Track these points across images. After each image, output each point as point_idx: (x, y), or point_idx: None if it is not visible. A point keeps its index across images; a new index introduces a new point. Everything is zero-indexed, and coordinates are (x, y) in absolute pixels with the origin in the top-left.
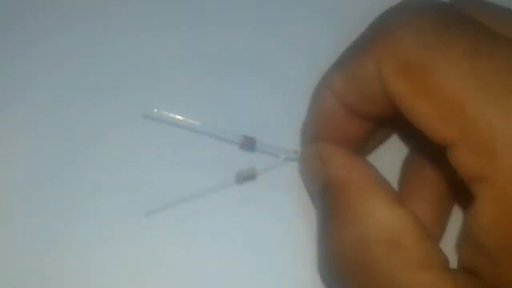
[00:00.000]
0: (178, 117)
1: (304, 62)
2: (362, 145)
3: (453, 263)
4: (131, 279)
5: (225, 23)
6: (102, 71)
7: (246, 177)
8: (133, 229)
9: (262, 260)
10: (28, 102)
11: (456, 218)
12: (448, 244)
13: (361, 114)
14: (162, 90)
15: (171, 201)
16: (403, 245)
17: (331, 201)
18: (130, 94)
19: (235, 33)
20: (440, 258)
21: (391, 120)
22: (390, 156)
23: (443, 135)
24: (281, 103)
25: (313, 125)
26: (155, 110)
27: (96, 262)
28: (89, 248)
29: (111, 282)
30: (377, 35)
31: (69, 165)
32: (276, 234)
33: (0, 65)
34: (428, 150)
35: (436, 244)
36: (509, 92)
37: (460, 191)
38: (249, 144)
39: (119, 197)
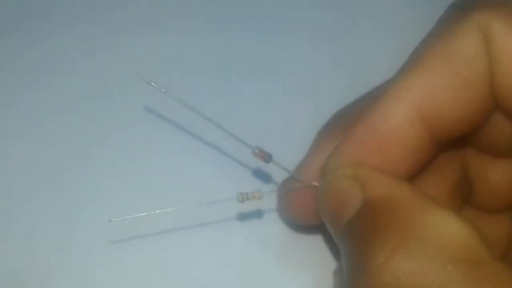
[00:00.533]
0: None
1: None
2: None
3: None
4: (130, 283)
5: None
6: (104, 72)
7: (250, 200)
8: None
9: None
10: (28, 103)
11: None
12: None
13: (444, 128)
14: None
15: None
16: (484, 262)
17: (374, 224)
18: (133, 96)
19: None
20: None
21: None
22: None
23: None
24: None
25: (359, 148)
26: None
27: (97, 264)
28: (89, 251)
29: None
30: (477, 3)
31: (69, 166)
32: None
33: (0, 65)
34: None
35: None
36: None
37: None
38: (264, 158)
39: (119, 200)
